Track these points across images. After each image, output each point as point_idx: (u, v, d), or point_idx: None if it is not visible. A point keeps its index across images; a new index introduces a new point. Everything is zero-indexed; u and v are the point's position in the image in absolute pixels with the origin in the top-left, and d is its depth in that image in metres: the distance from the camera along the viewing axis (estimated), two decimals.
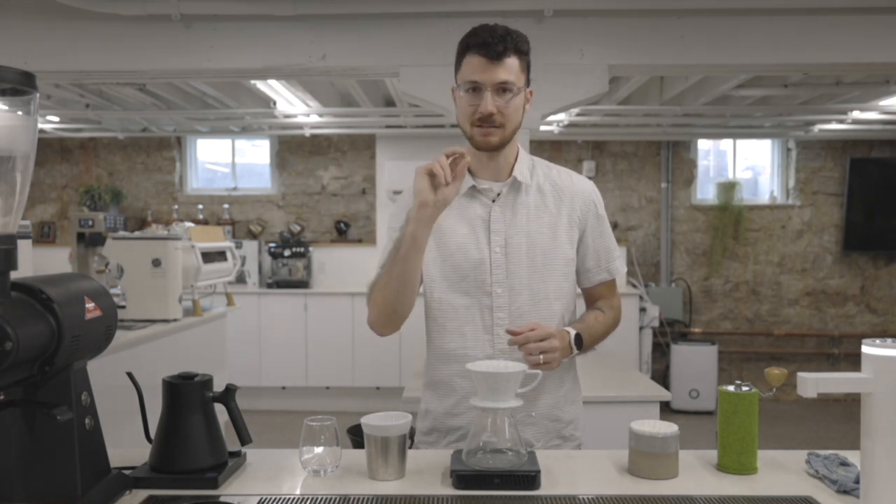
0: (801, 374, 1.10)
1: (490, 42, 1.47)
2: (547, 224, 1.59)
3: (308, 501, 1.22)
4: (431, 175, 1.41)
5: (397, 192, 5.00)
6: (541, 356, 1.44)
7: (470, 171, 1.60)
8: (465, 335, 1.58)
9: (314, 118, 5.77)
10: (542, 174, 1.64)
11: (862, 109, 5.32)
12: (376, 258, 1.64)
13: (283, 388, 6.09)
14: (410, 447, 1.45)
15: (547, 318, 1.57)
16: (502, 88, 1.48)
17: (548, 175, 1.64)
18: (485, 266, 1.57)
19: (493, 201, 1.59)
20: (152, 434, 1.35)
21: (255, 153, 7.04)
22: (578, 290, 1.69)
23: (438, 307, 1.60)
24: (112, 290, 3.48)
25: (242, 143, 7.00)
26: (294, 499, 1.23)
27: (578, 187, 1.64)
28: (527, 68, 1.54)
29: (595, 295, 1.69)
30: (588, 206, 1.63)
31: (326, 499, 1.23)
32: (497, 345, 1.56)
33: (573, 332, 1.55)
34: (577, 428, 1.68)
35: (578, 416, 1.68)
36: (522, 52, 1.52)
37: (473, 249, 1.57)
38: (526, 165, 1.62)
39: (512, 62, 1.49)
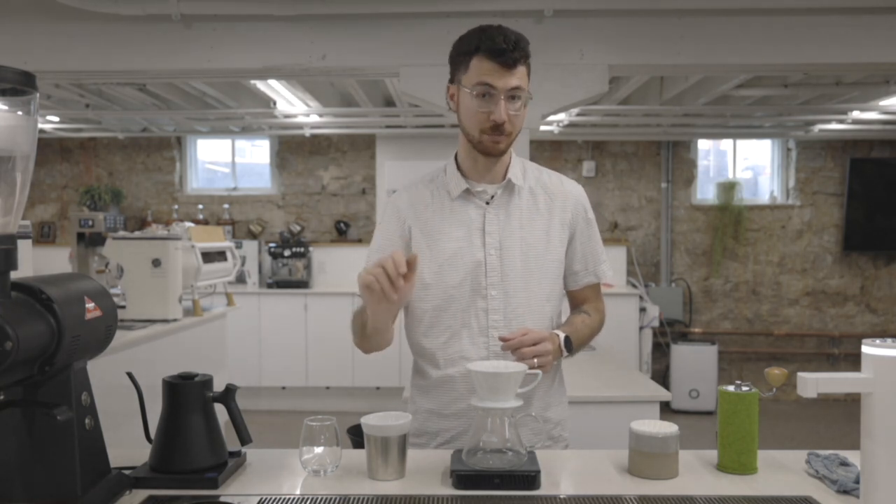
0: (801, 374, 1.10)
1: (505, 49, 1.46)
2: (540, 227, 1.60)
3: (308, 501, 1.22)
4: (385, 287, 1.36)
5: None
6: (534, 360, 1.44)
7: (463, 173, 1.62)
8: (461, 339, 1.58)
9: (314, 118, 5.77)
10: (533, 177, 1.65)
11: (862, 109, 5.32)
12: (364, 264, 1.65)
13: (283, 388, 6.09)
14: None
15: (540, 320, 1.59)
16: (513, 96, 1.49)
17: (538, 178, 1.65)
18: (480, 269, 1.57)
19: (488, 203, 1.60)
20: (152, 434, 1.35)
21: (255, 153, 7.04)
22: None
23: (433, 312, 1.59)
24: (112, 290, 3.48)
25: (242, 143, 7.01)
26: (294, 499, 1.23)
27: (569, 190, 1.65)
28: (529, 73, 1.55)
29: (581, 297, 1.71)
30: (578, 209, 1.65)
31: (326, 499, 1.23)
32: (492, 347, 1.56)
33: (563, 336, 1.56)
34: (565, 428, 1.69)
35: (565, 416, 1.70)
36: (528, 57, 1.53)
37: (469, 253, 1.57)
38: (518, 168, 1.63)
39: (522, 69, 1.50)
